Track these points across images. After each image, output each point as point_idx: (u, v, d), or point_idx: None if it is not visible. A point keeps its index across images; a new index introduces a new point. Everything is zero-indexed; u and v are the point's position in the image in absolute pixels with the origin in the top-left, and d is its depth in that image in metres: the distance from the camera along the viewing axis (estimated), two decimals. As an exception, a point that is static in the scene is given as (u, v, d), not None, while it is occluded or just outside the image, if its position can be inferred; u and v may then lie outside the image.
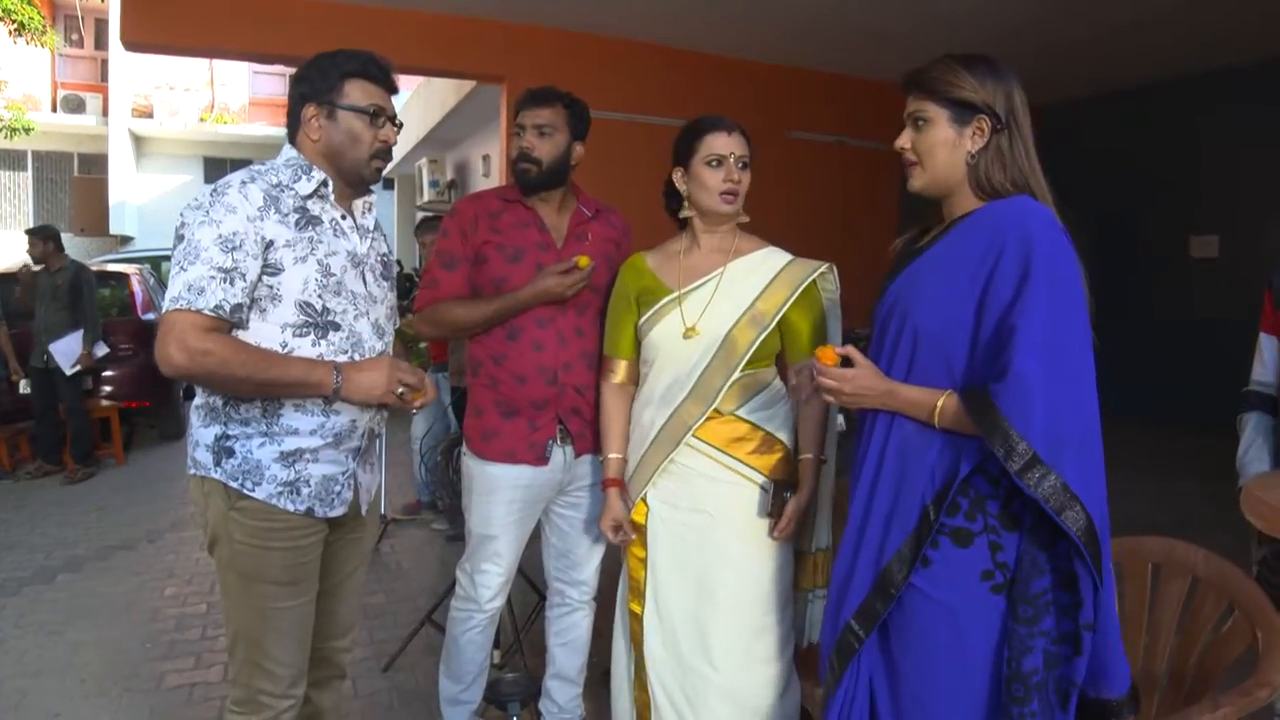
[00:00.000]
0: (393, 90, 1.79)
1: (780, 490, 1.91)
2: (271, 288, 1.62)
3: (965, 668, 1.42)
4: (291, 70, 1.79)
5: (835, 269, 2.00)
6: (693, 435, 1.94)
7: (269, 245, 1.61)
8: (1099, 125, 8.40)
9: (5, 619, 3.56)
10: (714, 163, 1.94)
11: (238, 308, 1.58)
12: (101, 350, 6.29)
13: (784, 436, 1.98)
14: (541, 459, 2.20)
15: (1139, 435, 7.38)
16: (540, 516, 2.34)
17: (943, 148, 1.51)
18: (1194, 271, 7.67)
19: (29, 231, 6.36)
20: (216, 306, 1.55)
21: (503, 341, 2.20)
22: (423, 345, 4.92)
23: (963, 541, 1.42)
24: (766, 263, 1.99)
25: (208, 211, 1.58)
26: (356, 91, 1.72)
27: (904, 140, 1.56)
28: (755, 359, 1.94)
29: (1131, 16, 5.93)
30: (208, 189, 1.63)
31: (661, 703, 1.98)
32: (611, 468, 2.08)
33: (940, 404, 1.42)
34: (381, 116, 1.75)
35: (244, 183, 1.63)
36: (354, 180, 1.78)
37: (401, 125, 1.81)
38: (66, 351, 6.05)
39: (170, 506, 5.25)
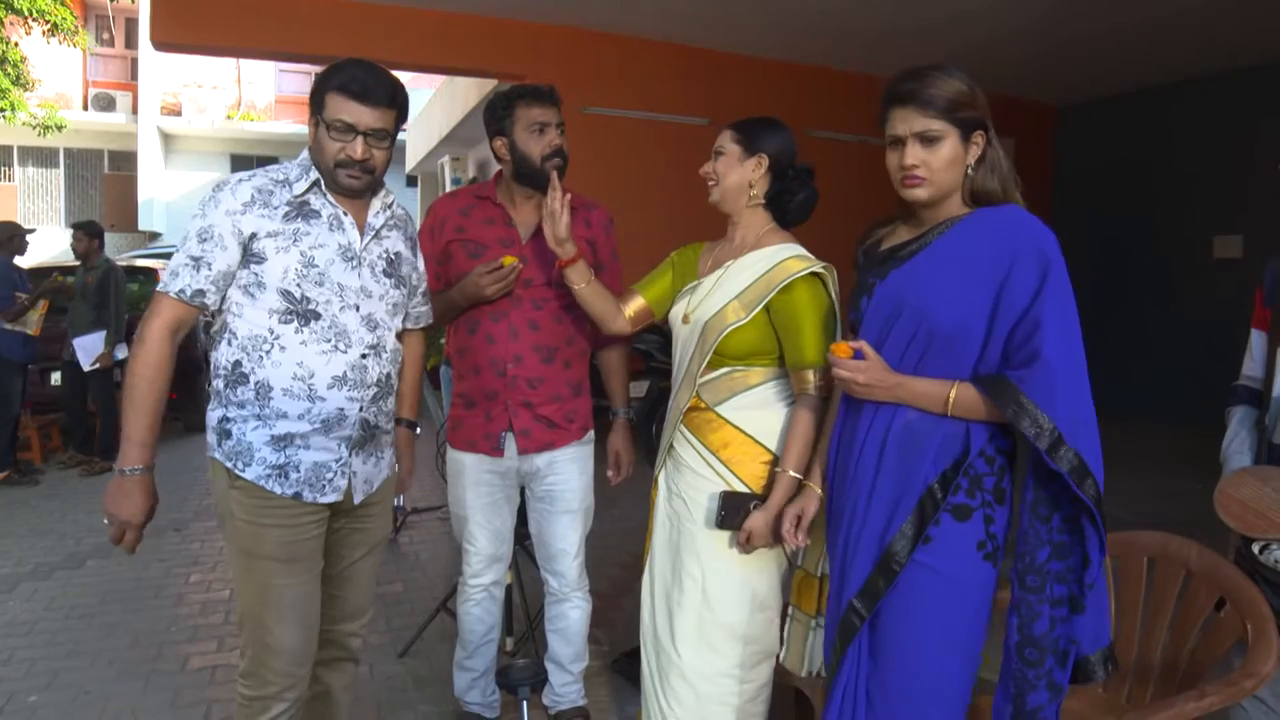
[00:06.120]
0: (376, 105, 1.75)
1: (744, 502, 1.88)
2: (256, 275, 1.74)
3: (957, 626, 1.55)
4: (317, 69, 1.87)
5: (834, 271, 1.94)
6: (683, 424, 2.00)
7: (252, 236, 1.73)
8: (1119, 126, 8.33)
9: (37, 602, 3.68)
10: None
11: (199, 293, 1.72)
12: (123, 352, 6.08)
13: (770, 445, 1.93)
14: (496, 449, 2.30)
15: (1161, 436, 7.33)
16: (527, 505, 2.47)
17: (956, 164, 1.55)
18: (1218, 272, 7.60)
19: (76, 225, 6.18)
20: (180, 291, 1.70)
21: (465, 335, 2.32)
22: (441, 340, 4.99)
23: (963, 516, 1.54)
24: (771, 257, 1.95)
25: (203, 207, 1.75)
26: (333, 105, 1.74)
27: (912, 157, 1.54)
28: (736, 354, 1.93)
29: (1147, 14, 5.88)
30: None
31: (644, 670, 2.09)
32: None
33: (953, 394, 1.51)
34: (351, 132, 1.74)
35: (239, 181, 1.77)
36: (330, 186, 1.81)
37: (392, 141, 1.81)
38: (88, 349, 6.04)
39: (194, 496, 5.37)
